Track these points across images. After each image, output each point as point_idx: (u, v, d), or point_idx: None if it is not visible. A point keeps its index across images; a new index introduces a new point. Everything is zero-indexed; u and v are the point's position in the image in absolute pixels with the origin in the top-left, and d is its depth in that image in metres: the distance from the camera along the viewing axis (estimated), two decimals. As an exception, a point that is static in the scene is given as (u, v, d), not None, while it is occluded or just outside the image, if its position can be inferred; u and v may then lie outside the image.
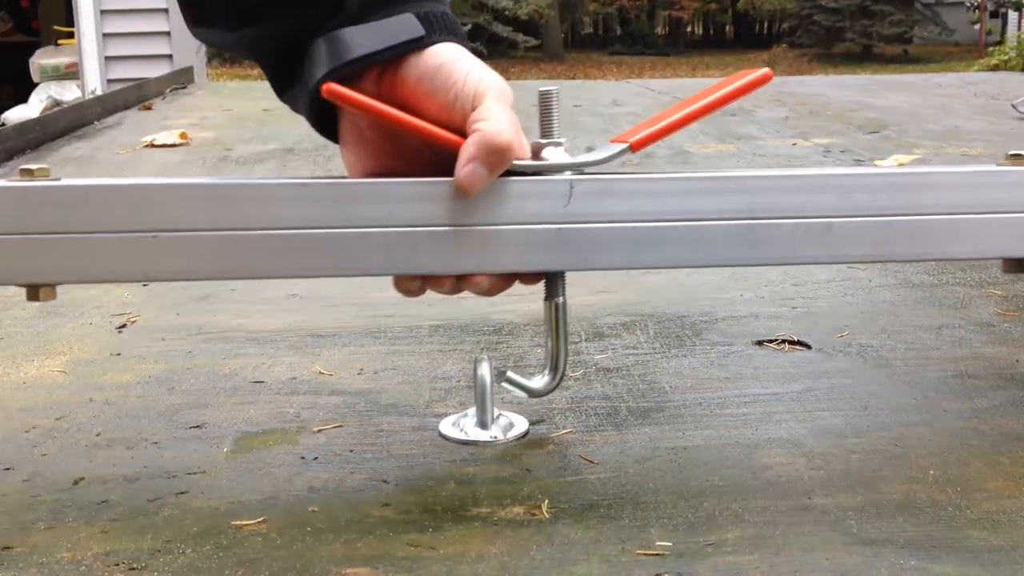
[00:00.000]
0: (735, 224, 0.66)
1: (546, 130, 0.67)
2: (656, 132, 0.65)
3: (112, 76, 5.25)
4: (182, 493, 0.65)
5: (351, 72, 0.62)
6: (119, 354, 0.93)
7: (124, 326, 1.01)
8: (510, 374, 0.72)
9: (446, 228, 0.64)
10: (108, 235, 0.61)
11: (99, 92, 4.79)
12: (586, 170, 0.66)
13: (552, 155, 0.66)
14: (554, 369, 0.71)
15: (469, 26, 16.93)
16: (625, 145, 0.65)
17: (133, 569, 0.56)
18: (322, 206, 0.63)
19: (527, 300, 1.00)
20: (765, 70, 0.66)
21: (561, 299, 0.70)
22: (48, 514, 0.62)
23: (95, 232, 0.61)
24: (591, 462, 0.69)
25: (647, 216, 0.65)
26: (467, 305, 1.03)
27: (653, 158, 2.29)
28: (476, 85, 0.63)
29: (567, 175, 0.65)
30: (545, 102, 0.68)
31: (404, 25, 0.64)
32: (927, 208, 0.68)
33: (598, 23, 26.90)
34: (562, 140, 0.66)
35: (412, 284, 0.66)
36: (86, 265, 0.62)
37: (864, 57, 18.51)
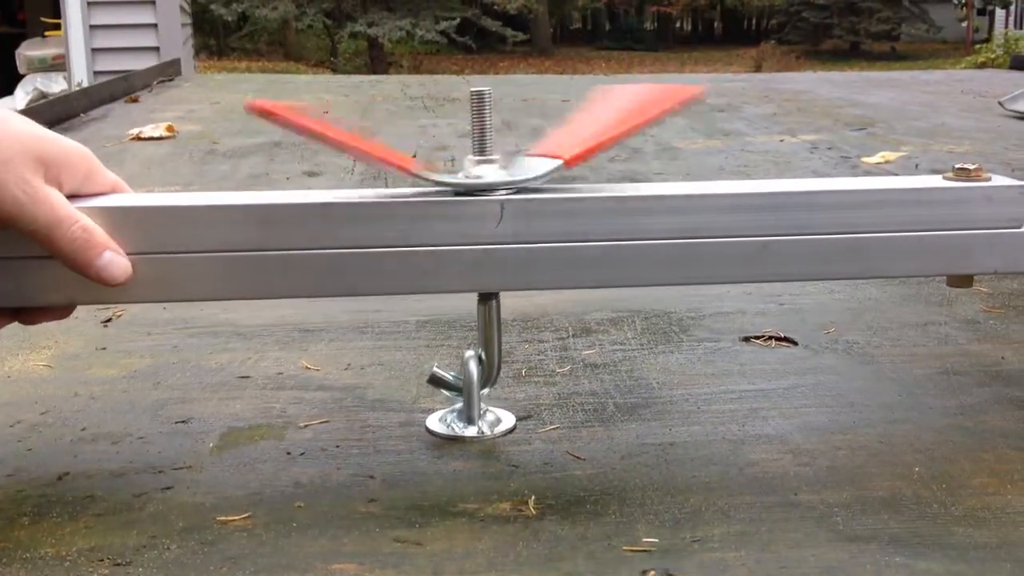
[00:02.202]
0: (668, 244, 0.65)
1: (480, 144, 0.66)
2: (592, 148, 0.64)
3: (99, 68, 5.24)
4: (167, 488, 0.65)
5: None
6: (104, 348, 0.93)
7: (110, 320, 1.01)
8: (437, 370, 0.72)
9: (373, 250, 0.63)
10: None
11: (86, 84, 4.77)
12: (521, 188, 0.65)
13: (486, 173, 0.65)
14: (489, 373, 0.72)
15: (458, 20, 16.92)
16: (559, 162, 0.64)
17: (118, 565, 0.55)
18: (251, 228, 0.63)
19: (515, 296, 1.00)
20: (700, 88, 0.62)
21: (495, 302, 0.70)
22: (32, 509, 0.62)
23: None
24: (578, 458, 0.69)
25: (580, 236, 0.64)
26: (455, 301, 1.03)
27: (641, 153, 2.29)
28: None
29: (499, 195, 0.64)
30: (478, 106, 0.66)
31: None
32: (867, 226, 0.66)
33: (587, 18, 26.91)
34: (495, 157, 0.65)
35: None
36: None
37: (852, 54, 18.56)
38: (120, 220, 0.62)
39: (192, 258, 0.63)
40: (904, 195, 0.67)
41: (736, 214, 0.65)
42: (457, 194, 0.65)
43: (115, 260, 0.61)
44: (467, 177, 0.65)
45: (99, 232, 0.61)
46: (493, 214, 0.64)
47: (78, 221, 0.60)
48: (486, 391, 0.73)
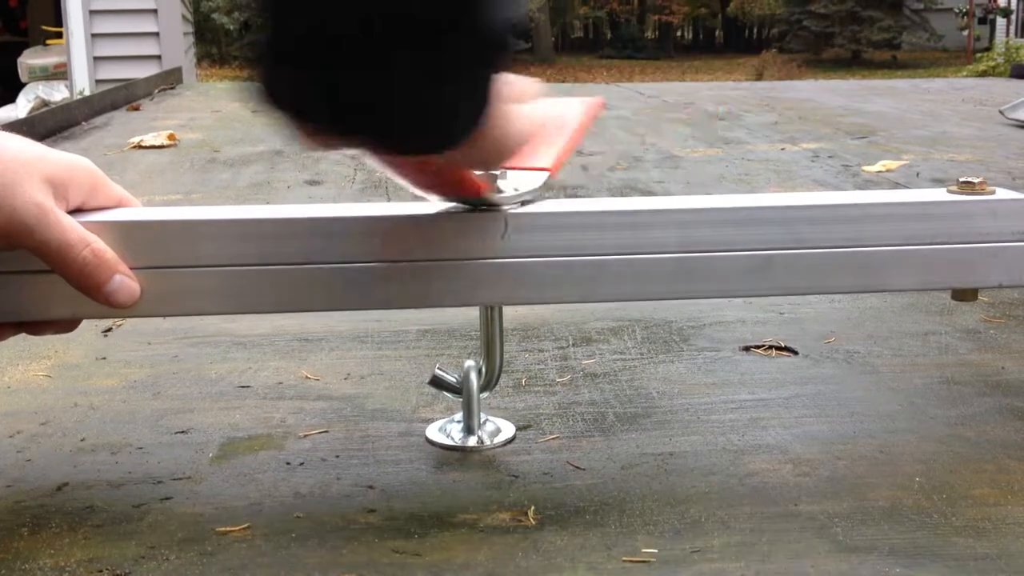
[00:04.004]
0: (672, 257, 0.65)
1: None
2: (563, 156, 0.65)
3: (100, 76, 5.25)
4: (167, 499, 0.65)
5: None
6: (104, 358, 0.93)
7: (110, 330, 1.01)
8: (438, 371, 0.72)
9: (377, 264, 0.63)
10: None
11: (87, 92, 4.77)
12: (525, 200, 0.65)
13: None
14: (489, 379, 0.72)
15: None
16: (547, 173, 0.65)
17: (116, 575, 0.55)
18: (255, 242, 0.63)
19: (515, 306, 1.00)
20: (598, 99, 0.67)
21: (497, 307, 0.69)
22: (31, 520, 0.62)
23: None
24: (578, 468, 0.69)
25: (584, 250, 0.64)
26: (455, 310, 1.03)
27: (642, 162, 2.29)
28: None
29: (503, 208, 0.64)
30: None
31: None
32: (872, 240, 0.66)
33: (588, 27, 26.97)
34: (498, 171, 0.65)
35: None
36: None
37: (853, 62, 18.59)
38: (124, 235, 0.62)
39: (197, 272, 0.63)
40: (909, 209, 0.67)
41: (741, 228, 0.65)
42: (461, 207, 0.65)
43: (124, 284, 0.60)
44: None
45: (109, 255, 0.60)
46: (498, 229, 0.63)
47: (89, 244, 0.59)
48: (485, 395, 0.73)
